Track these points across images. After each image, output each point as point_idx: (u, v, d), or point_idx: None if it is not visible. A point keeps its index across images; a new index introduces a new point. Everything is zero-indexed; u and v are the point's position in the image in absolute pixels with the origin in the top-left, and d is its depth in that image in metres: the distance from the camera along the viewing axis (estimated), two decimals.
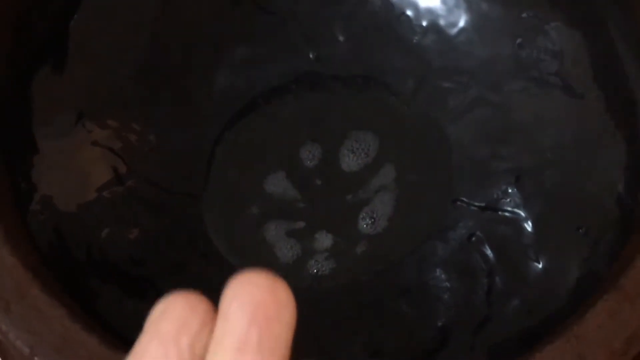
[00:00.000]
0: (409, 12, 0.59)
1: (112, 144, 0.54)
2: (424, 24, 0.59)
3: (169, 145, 0.56)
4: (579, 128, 0.53)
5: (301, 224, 0.56)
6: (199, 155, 0.57)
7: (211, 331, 0.21)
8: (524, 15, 0.56)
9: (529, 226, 0.53)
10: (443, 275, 0.53)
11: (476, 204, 0.55)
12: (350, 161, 0.57)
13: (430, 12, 0.59)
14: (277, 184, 0.57)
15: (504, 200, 0.55)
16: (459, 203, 0.55)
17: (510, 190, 0.54)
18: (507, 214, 0.54)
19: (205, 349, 0.20)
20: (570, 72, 0.54)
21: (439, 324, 0.51)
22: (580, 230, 0.50)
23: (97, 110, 0.54)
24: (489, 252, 0.53)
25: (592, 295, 0.40)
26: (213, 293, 0.52)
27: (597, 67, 0.53)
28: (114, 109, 0.55)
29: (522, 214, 0.54)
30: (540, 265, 0.51)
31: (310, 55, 0.61)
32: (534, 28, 0.56)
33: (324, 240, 0.55)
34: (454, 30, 0.59)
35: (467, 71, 0.58)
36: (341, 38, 0.61)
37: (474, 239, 0.54)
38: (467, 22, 0.58)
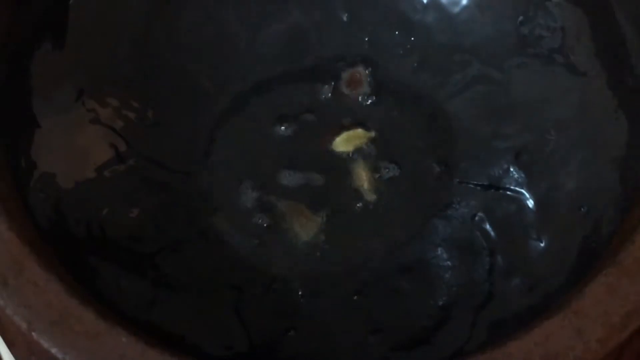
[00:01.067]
0: None
1: (113, 122, 0.54)
2: (425, 1, 0.59)
3: (169, 123, 0.56)
4: (581, 106, 0.53)
5: (302, 204, 0.55)
6: (200, 134, 0.57)
7: None
8: None
9: (530, 204, 0.53)
10: (445, 254, 0.53)
11: (478, 182, 0.55)
12: None
13: None
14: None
15: (505, 178, 0.54)
16: (460, 182, 0.55)
17: (512, 169, 0.54)
18: (509, 192, 0.54)
19: None
20: (572, 49, 0.54)
21: (440, 302, 0.51)
22: (582, 209, 0.50)
23: (97, 88, 0.54)
24: (490, 230, 0.53)
25: (592, 270, 0.40)
26: (211, 271, 0.52)
27: (600, 44, 0.52)
28: (114, 87, 0.54)
29: (524, 192, 0.53)
30: (541, 244, 0.51)
31: (312, 33, 0.60)
32: (535, 5, 0.55)
33: (325, 219, 0.55)
34: (455, 8, 0.58)
35: (469, 49, 0.58)
36: (345, 17, 0.60)
37: (476, 217, 0.54)
38: (469, 0, 0.58)
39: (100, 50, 0.55)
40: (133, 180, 0.53)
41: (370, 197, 0.56)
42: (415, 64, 0.59)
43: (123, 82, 0.55)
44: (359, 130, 0.57)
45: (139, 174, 0.54)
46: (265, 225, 0.55)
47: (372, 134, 0.57)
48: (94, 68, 0.54)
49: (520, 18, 0.56)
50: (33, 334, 0.37)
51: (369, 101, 0.58)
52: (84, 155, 0.52)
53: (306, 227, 0.55)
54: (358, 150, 0.57)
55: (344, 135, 0.57)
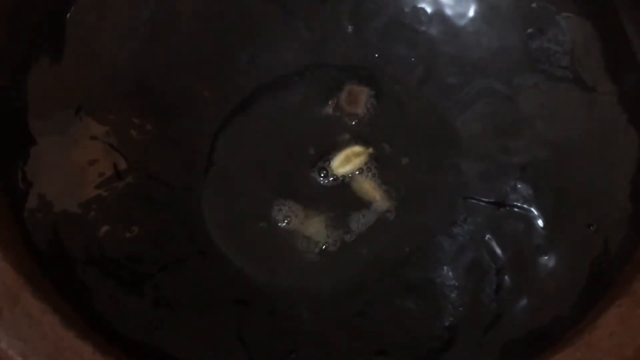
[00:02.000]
0: (416, 2, 0.58)
1: (111, 138, 0.53)
2: (430, 12, 0.58)
3: (168, 139, 0.55)
4: (590, 121, 0.52)
5: (303, 220, 0.54)
6: (199, 150, 0.56)
7: None
8: (534, 5, 0.54)
9: (539, 222, 0.52)
10: (451, 273, 0.52)
11: (485, 199, 0.54)
12: None
13: (437, 1, 0.58)
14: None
15: (513, 195, 0.53)
16: (466, 198, 0.54)
17: (519, 186, 0.53)
18: (516, 209, 0.53)
19: None
20: (581, 63, 0.53)
21: (447, 323, 0.50)
22: (592, 227, 0.49)
23: (95, 104, 0.52)
24: (498, 249, 0.52)
25: (603, 295, 0.39)
26: (212, 290, 0.51)
27: (609, 59, 0.51)
28: (112, 103, 0.53)
29: (532, 209, 0.52)
30: (550, 263, 0.50)
31: (316, 46, 0.59)
32: (544, 19, 0.54)
33: (328, 235, 0.54)
34: (462, 21, 0.57)
35: (475, 62, 0.57)
36: (349, 29, 0.59)
37: (483, 235, 0.52)
38: (476, 12, 0.57)
39: (98, 65, 0.53)
40: (132, 197, 0.53)
41: (382, 208, 0.55)
42: (420, 77, 0.58)
43: (122, 97, 0.54)
44: (356, 148, 0.56)
45: (139, 191, 0.53)
46: (267, 241, 0.54)
47: (371, 150, 0.56)
48: (92, 83, 0.53)
49: (529, 31, 0.55)
50: None
51: (369, 116, 0.57)
52: (82, 173, 0.51)
53: (314, 229, 0.54)
54: (359, 169, 0.56)
55: (342, 155, 0.56)
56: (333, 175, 0.56)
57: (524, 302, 0.50)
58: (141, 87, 0.55)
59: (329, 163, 0.56)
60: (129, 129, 0.54)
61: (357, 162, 0.55)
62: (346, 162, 0.56)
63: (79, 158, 0.51)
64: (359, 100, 0.57)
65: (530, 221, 0.52)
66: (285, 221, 0.54)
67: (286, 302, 0.52)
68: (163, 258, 0.51)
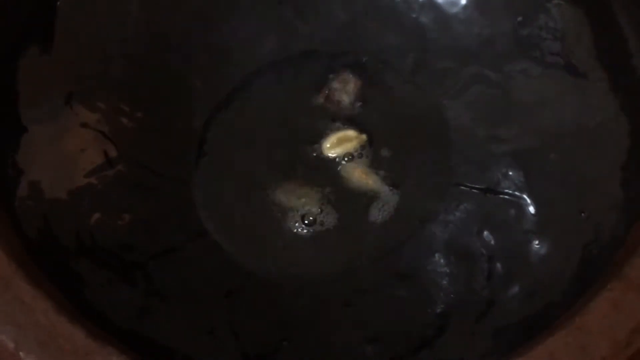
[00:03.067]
0: None
1: (102, 126, 0.52)
2: (422, 0, 0.58)
3: (159, 127, 0.55)
4: (581, 108, 0.52)
5: (294, 205, 0.54)
6: (190, 137, 0.56)
7: None
8: None
9: (530, 210, 0.52)
10: (442, 260, 0.52)
11: (476, 186, 0.54)
12: None
13: None
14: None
15: (504, 182, 0.53)
16: (457, 185, 0.54)
17: (511, 173, 0.53)
18: (507, 196, 0.53)
19: None
20: (572, 50, 0.53)
21: (438, 310, 0.50)
22: (583, 214, 0.49)
23: (86, 92, 0.52)
24: (489, 236, 0.52)
25: (594, 281, 0.39)
26: (204, 278, 0.51)
27: (601, 45, 0.51)
28: (103, 91, 0.53)
29: (524, 196, 0.52)
30: (541, 250, 0.50)
31: (307, 33, 0.59)
32: (535, 5, 0.54)
33: (319, 223, 0.54)
34: (453, 9, 0.57)
35: (467, 49, 0.57)
36: (341, 16, 0.59)
37: (474, 222, 0.52)
38: (467, 0, 0.57)
39: (89, 53, 0.53)
40: (123, 185, 0.52)
41: (372, 194, 0.55)
42: (411, 65, 0.58)
43: (113, 85, 0.54)
44: (350, 132, 0.56)
45: (130, 178, 0.53)
46: (259, 229, 0.54)
47: (364, 136, 0.56)
48: (83, 71, 0.53)
49: (519, 19, 0.55)
50: (21, 353, 0.36)
51: (360, 103, 0.57)
52: (73, 161, 0.51)
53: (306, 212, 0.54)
54: (349, 154, 0.56)
55: (333, 137, 0.56)
56: (324, 157, 0.56)
57: (515, 288, 0.49)
58: (132, 76, 0.55)
59: (320, 146, 0.56)
60: (119, 117, 0.53)
61: (349, 146, 0.55)
62: (337, 144, 0.56)
63: (70, 146, 0.51)
64: (349, 88, 0.57)
65: (521, 208, 0.52)
66: (277, 208, 0.54)
67: (278, 290, 0.52)
68: (154, 246, 0.51)
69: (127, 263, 0.50)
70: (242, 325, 0.49)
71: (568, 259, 0.48)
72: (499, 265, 0.51)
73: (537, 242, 0.50)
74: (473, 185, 0.54)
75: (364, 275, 0.53)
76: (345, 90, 0.57)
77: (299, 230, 0.54)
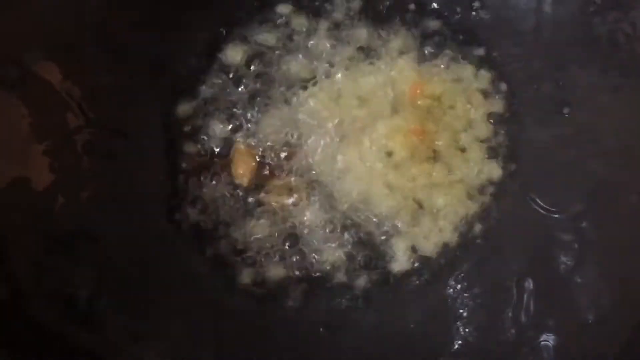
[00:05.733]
0: None
1: (68, 88, 0.45)
2: None
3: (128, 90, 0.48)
4: None
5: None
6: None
7: None
8: None
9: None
10: None
11: None
12: None
13: None
14: None
15: None
16: None
17: None
18: None
19: None
20: None
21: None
22: None
23: (51, 55, 0.45)
24: None
25: None
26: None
27: None
28: (70, 53, 0.46)
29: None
30: None
31: None
32: None
33: None
34: None
35: None
36: None
37: None
38: None
39: (56, 14, 0.46)
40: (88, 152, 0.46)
41: None
42: None
43: (81, 48, 0.47)
44: None
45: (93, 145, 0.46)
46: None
47: None
48: (49, 32, 0.45)
49: None
50: None
51: None
52: (35, 127, 0.44)
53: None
54: None
55: None
56: None
57: None
58: (102, 38, 0.47)
59: None
60: (85, 79, 0.46)
61: None
62: None
63: (33, 109, 0.44)
64: None
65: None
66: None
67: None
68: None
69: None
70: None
71: None
72: None
73: None
74: None
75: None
76: None
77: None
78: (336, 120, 0.50)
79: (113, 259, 0.44)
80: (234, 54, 0.53)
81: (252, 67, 0.52)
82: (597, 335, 0.41)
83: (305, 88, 0.51)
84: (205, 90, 0.52)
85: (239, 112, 0.51)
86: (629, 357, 0.40)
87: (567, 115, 0.47)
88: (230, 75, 0.52)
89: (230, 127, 0.51)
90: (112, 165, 0.46)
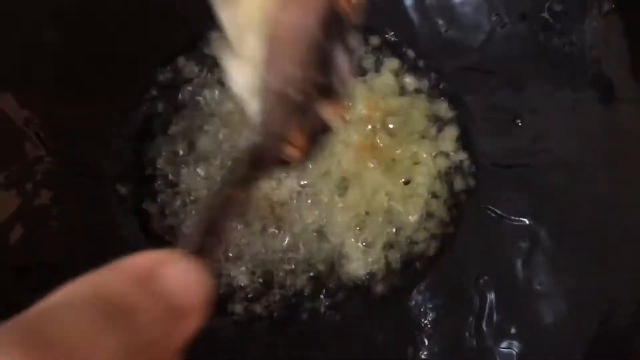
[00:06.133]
0: None
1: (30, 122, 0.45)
2: None
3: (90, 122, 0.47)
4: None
5: None
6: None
7: None
8: None
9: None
10: None
11: None
12: None
13: None
14: None
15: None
16: None
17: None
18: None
19: None
20: None
21: None
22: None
23: (12, 85, 0.45)
24: None
25: None
26: None
27: None
28: (31, 84, 0.46)
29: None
30: None
31: None
32: None
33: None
34: None
35: None
36: None
37: None
38: None
39: (16, 47, 0.46)
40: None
41: None
42: None
43: (41, 79, 0.46)
44: None
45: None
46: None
47: None
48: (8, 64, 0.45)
49: None
50: None
51: None
52: None
53: None
54: None
55: None
56: None
57: None
58: (62, 68, 0.47)
59: None
60: (46, 112, 0.46)
61: None
62: None
63: None
64: None
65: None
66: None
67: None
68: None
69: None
70: None
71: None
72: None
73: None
74: None
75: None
76: None
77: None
78: None
79: None
80: None
81: None
82: (558, 341, 0.42)
83: None
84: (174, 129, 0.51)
85: None
86: None
87: (520, 125, 0.48)
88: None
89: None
90: (75, 197, 0.46)
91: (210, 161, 0.50)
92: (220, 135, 0.50)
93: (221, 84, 0.52)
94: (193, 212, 0.49)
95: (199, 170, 0.49)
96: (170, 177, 0.50)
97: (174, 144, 0.50)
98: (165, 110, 0.51)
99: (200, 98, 0.52)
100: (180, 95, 0.52)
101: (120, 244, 0.46)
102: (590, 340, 0.41)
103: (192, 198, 0.49)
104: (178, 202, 0.49)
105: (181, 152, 0.50)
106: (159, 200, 0.49)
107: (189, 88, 0.52)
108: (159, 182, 0.49)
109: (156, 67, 0.52)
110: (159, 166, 0.50)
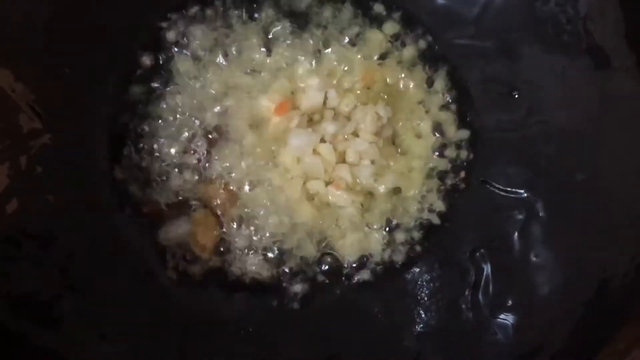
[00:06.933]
0: None
1: (26, 97, 0.45)
2: None
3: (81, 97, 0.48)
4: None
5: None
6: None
7: None
8: None
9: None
10: None
11: None
12: None
13: None
14: None
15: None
16: None
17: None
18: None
19: None
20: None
21: None
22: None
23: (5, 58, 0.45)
24: None
25: None
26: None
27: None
28: (26, 57, 0.46)
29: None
30: None
31: None
32: None
33: None
34: None
35: None
36: None
37: None
38: None
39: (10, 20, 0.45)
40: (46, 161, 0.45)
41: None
42: None
43: (36, 52, 0.46)
44: None
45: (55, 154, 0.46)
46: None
47: None
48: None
49: None
50: None
51: None
52: None
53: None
54: None
55: None
56: None
57: None
58: (55, 43, 0.47)
59: None
60: (43, 86, 0.46)
61: None
62: None
63: None
64: None
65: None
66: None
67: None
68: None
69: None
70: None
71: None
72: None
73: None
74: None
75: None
76: None
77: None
78: None
79: (73, 259, 0.44)
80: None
81: None
82: (553, 312, 0.42)
83: None
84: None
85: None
86: (584, 332, 0.41)
87: (516, 97, 0.48)
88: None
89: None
90: (68, 169, 0.46)
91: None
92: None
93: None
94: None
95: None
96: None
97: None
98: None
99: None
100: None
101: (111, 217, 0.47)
102: (583, 310, 0.41)
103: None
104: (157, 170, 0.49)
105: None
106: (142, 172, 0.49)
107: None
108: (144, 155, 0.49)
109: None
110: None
